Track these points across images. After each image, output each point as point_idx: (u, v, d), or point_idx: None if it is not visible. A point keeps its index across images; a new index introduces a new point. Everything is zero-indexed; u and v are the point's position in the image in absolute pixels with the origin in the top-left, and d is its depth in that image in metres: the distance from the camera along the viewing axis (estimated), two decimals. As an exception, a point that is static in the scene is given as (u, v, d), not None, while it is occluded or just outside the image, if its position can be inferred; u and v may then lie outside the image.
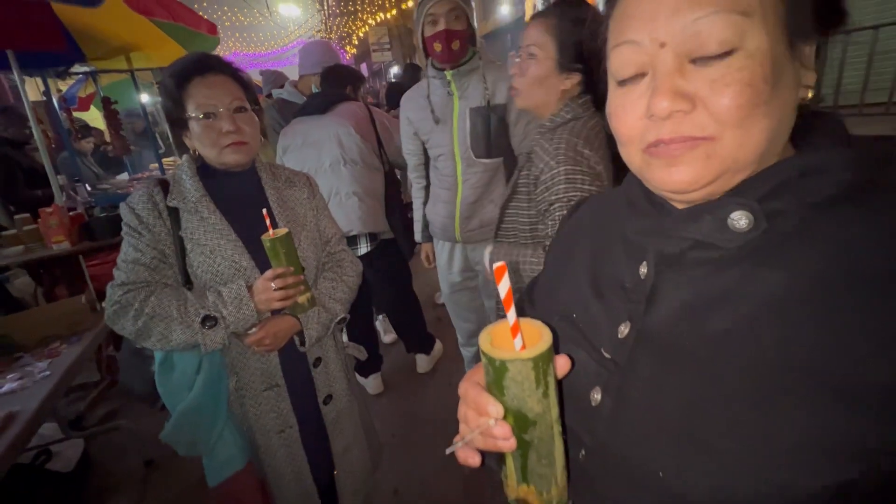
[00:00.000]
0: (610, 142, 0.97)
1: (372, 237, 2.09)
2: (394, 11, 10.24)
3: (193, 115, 0.95)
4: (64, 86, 5.38)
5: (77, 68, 3.90)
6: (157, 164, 4.14)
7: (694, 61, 0.38)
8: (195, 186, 1.01)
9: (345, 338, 1.42)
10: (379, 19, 10.88)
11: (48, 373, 1.43)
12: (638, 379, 0.43)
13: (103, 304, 1.82)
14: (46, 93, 3.84)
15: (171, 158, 4.92)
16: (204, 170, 1.04)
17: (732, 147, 0.37)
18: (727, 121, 0.37)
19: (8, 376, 1.42)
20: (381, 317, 2.87)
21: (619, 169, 0.96)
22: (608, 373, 0.45)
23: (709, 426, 0.37)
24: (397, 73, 9.88)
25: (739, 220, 0.38)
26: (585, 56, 0.94)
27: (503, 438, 0.38)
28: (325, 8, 9.72)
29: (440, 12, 1.41)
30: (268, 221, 0.95)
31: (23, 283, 3.12)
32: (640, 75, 0.40)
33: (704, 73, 0.37)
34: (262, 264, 1.01)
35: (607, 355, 0.45)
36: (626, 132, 0.42)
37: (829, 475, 0.32)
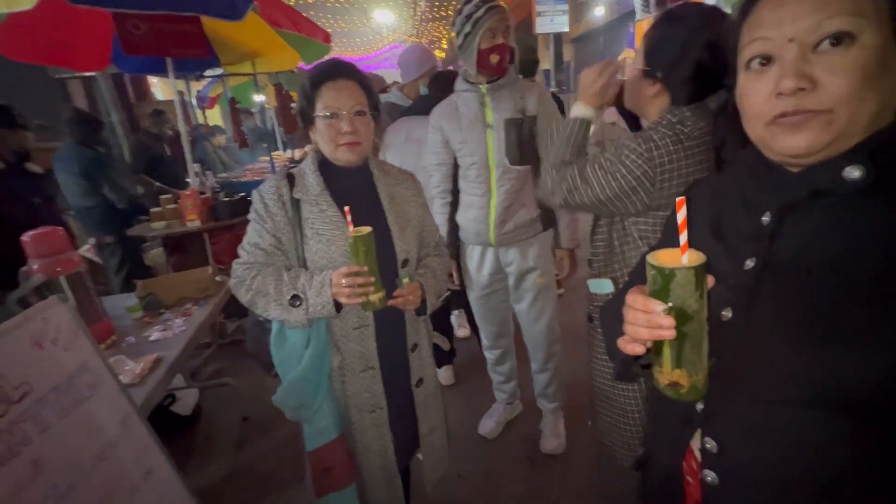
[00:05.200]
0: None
1: (455, 234, 2.20)
2: (485, 16, 10.33)
3: (320, 113, 1.07)
4: (199, 86, 6.20)
5: (210, 72, 4.50)
6: (267, 158, 4.65)
7: (816, 52, 0.46)
8: (317, 181, 1.12)
9: None
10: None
11: (184, 328, 1.71)
12: (762, 296, 0.53)
13: (218, 277, 2.13)
14: (186, 93, 4.48)
15: (278, 152, 5.48)
16: (324, 165, 1.14)
17: (845, 118, 0.46)
18: (841, 98, 0.46)
19: (154, 327, 1.73)
20: (456, 312, 2.97)
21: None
22: (735, 295, 0.54)
23: (820, 327, 0.47)
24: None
25: (853, 172, 0.47)
26: (671, 61, 0.96)
27: (668, 327, 0.47)
28: (418, 13, 10.09)
29: (500, 27, 1.49)
30: (349, 218, 0.99)
31: (156, 253, 3.68)
32: (768, 63, 0.50)
33: (824, 61, 0.46)
34: None
35: (733, 282, 0.55)
36: (754, 109, 0.52)
37: None
